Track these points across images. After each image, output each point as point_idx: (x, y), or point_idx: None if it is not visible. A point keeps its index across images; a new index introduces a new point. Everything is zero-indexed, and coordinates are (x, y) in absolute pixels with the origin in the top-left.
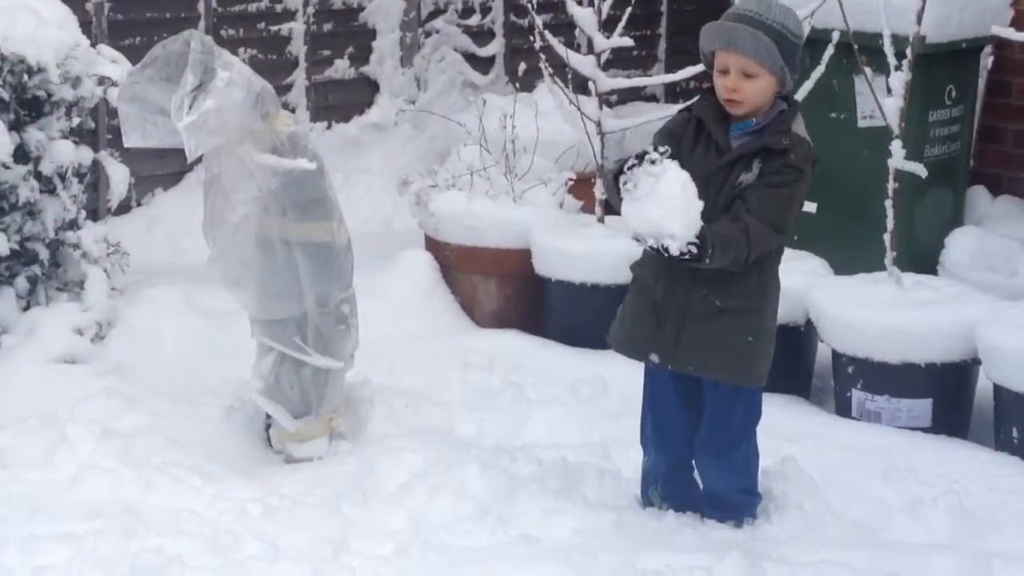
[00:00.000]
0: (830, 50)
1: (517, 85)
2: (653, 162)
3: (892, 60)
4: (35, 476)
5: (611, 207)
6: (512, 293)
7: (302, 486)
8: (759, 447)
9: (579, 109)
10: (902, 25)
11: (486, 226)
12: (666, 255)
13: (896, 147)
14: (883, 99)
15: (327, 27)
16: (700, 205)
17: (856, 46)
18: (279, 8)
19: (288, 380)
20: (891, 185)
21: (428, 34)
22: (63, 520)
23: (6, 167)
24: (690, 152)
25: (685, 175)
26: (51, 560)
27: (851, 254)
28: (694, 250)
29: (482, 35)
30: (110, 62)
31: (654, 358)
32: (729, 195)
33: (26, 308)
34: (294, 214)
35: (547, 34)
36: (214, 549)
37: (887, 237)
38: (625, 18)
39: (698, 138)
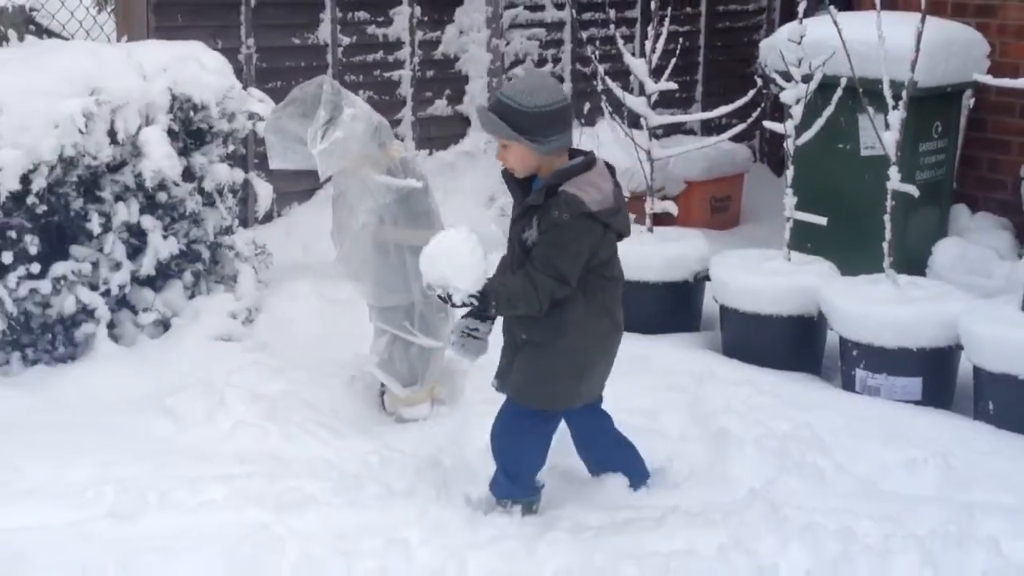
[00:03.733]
0: (838, 93)
1: (583, 121)
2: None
3: (890, 101)
4: (200, 431)
5: (659, 219)
6: None
7: (410, 442)
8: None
9: (633, 140)
10: (898, 72)
11: None
12: (450, 304)
13: (893, 172)
14: (883, 133)
15: (429, 73)
16: (484, 262)
17: (860, 89)
18: (391, 59)
19: (399, 356)
20: (889, 203)
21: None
22: (221, 465)
23: (176, 184)
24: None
25: (474, 237)
26: (213, 496)
27: (855, 259)
28: (475, 302)
29: None
30: (258, 101)
31: (494, 383)
32: (519, 248)
33: (191, 297)
34: (404, 223)
35: (607, 80)
36: (342, 490)
37: (885, 245)
38: (670, 67)
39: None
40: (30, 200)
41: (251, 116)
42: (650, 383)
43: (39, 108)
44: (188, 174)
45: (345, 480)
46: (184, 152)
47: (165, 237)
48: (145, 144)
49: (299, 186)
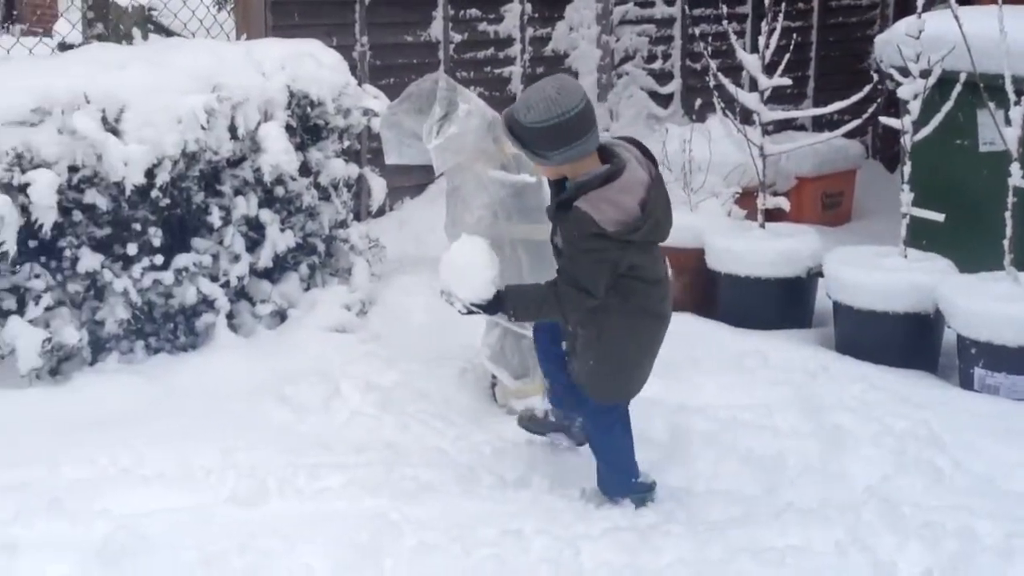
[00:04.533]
0: (957, 88)
1: (694, 117)
2: None
3: (1012, 96)
4: (317, 419)
5: (771, 215)
6: (688, 283)
7: (522, 433)
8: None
9: (745, 136)
10: (1020, 67)
11: None
12: (451, 306)
13: (1015, 168)
14: (1004, 129)
15: (539, 70)
16: (490, 273)
17: (981, 85)
18: (502, 55)
19: (510, 349)
20: (1010, 199)
21: (619, 76)
22: (339, 453)
23: (293, 179)
24: None
25: (476, 245)
26: (331, 484)
27: (971, 256)
28: (476, 310)
29: (663, 76)
30: (372, 97)
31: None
32: (555, 248)
33: (307, 289)
34: (518, 218)
35: (720, 75)
36: (457, 479)
37: (1006, 242)
38: (783, 63)
39: None
40: (154, 193)
41: (366, 112)
42: (763, 379)
43: (163, 104)
44: (305, 169)
45: (460, 470)
46: (301, 147)
47: (282, 230)
48: (264, 139)
49: (411, 181)
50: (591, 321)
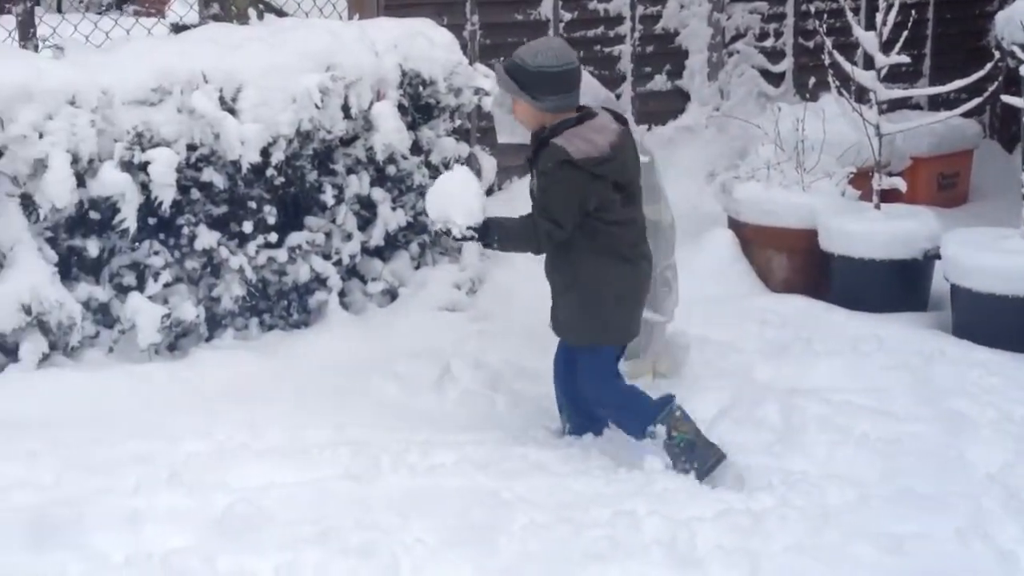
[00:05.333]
0: None
1: (807, 96)
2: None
3: None
4: (428, 397)
5: (886, 195)
6: (800, 264)
7: None
8: None
9: (861, 115)
10: None
11: (780, 210)
12: (450, 238)
13: None
14: None
15: (649, 49)
16: (480, 200)
17: None
18: (611, 34)
19: None
20: None
21: (730, 54)
22: (449, 431)
23: (405, 158)
24: None
25: (468, 174)
26: (442, 461)
27: None
28: (474, 235)
29: (775, 54)
30: (483, 77)
31: (549, 325)
32: (531, 197)
33: (417, 267)
34: None
35: (836, 53)
36: (567, 459)
37: None
38: (901, 41)
39: None
40: (269, 172)
41: (477, 91)
42: (878, 363)
43: (278, 84)
44: (416, 148)
45: (569, 450)
46: (412, 126)
47: (394, 209)
48: (376, 118)
49: (519, 160)
50: (565, 265)
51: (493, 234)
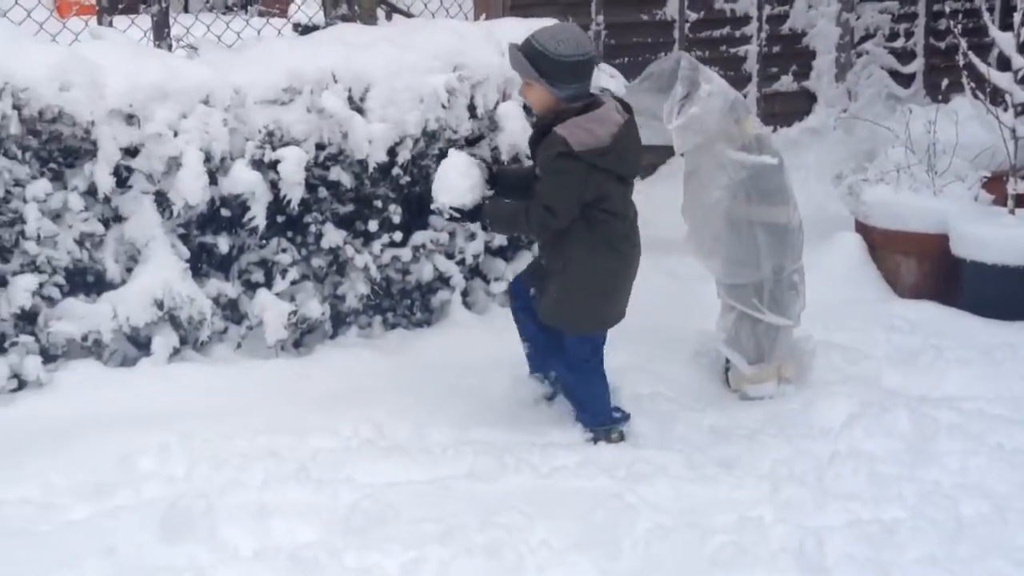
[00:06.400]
0: None
1: (940, 97)
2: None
3: None
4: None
5: (1021, 200)
6: (930, 270)
7: (756, 419)
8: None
9: (997, 118)
10: None
11: (910, 213)
12: (440, 216)
13: None
14: None
15: (775, 49)
16: (471, 182)
17: None
18: (737, 34)
19: (746, 333)
20: None
21: (859, 55)
22: (572, 432)
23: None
24: None
25: (463, 158)
26: (565, 462)
27: None
28: (456, 215)
29: (904, 55)
30: (609, 76)
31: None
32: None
33: None
34: (757, 200)
35: (971, 54)
36: (691, 464)
37: None
38: None
39: None
40: (395, 171)
41: (602, 91)
42: (1012, 371)
43: (406, 83)
44: None
45: (693, 454)
46: None
47: None
48: (502, 118)
49: (642, 161)
50: (558, 252)
51: (484, 216)
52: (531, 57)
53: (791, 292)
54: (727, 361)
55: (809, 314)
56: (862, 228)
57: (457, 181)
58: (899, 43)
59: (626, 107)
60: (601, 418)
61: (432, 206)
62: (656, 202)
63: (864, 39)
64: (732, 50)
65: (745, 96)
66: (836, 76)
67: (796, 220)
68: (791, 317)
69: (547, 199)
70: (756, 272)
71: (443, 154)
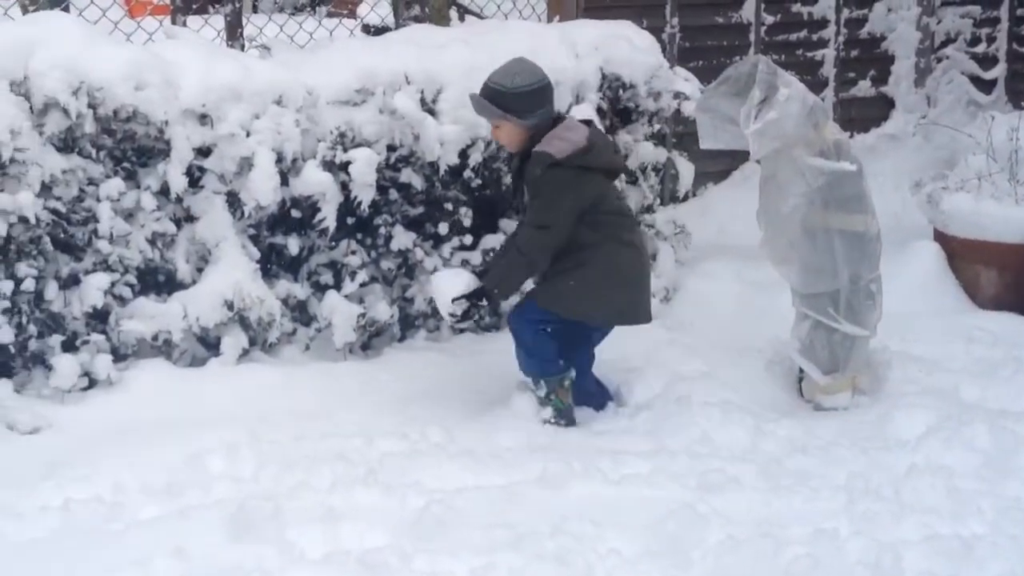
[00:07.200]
0: None
1: (1022, 104)
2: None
3: None
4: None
5: None
6: (1011, 281)
7: (830, 430)
8: None
9: None
10: None
11: (991, 223)
12: (453, 320)
13: None
14: None
15: (853, 53)
16: (463, 279)
17: None
18: (815, 38)
19: (820, 343)
20: None
21: (939, 60)
22: (641, 440)
23: None
24: None
25: (444, 271)
26: (636, 470)
27: None
28: (467, 305)
29: (986, 61)
30: (683, 80)
31: None
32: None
33: None
34: (835, 207)
35: None
36: (764, 475)
37: None
38: None
39: None
40: (466, 174)
41: (676, 95)
42: None
43: (478, 85)
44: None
45: (767, 465)
46: (611, 130)
47: None
48: None
49: (715, 167)
50: (569, 253)
51: (488, 290)
52: (492, 98)
53: (868, 302)
54: (801, 371)
55: (885, 325)
56: (941, 237)
57: (452, 280)
58: (981, 48)
59: (584, 121)
60: (550, 369)
61: (442, 316)
62: (730, 207)
63: (944, 44)
64: (809, 54)
65: (822, 100)
66: (915, 81)
67: (874, 228)
68: (867, 327)
69: (539, 217)
70: (833, 281)
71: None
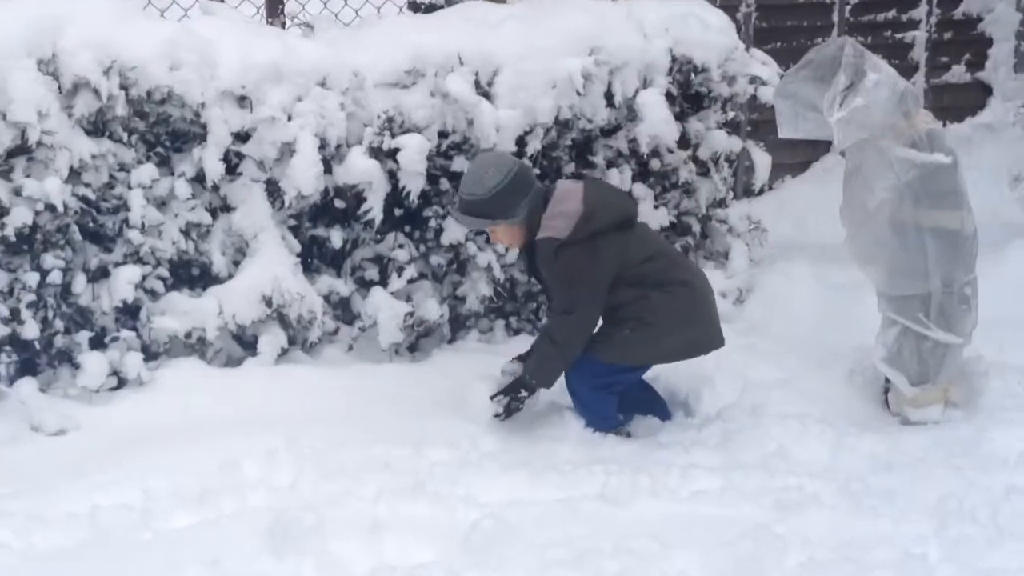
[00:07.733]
0: None
1: None
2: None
3: None
4: (686, 417)
5: None
6: None
7: (919, 446)
8: None
9: None
10: None
11: None
12: (498, 419)
13: None
14: None
15: (947, 35)
16: (487, 392)
17: None
18: (904, 18)
19: (909, 351)
20: None
21: None
22: (714, 455)
23: (671, 151)
24: None
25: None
26: (706, 487)
27: None
28: (500, 412)
29: None
30: (760, 63)
31: None
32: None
33: None
34: (927, 202)
35: None
36: (845, 493)
37: None
38: None
39: None
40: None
41: (752, 80)
42: None
43: (537, 67)
44: (683, 141)
45: (849, 483)
46: (680, 117)
47: (656, 207)
48: (642, 107)
49: (794, 158)
50: (617, 312)
51: (527, 382)
52: (473, 211)
53: (962, 306)
54: (887, 381)
55: (981, 331)
56: None
57: (486, 383)
58: None
59: (576, 176)
60: (607, 423)
61: (492, 418)
62: (809, 202)
63: None
64: (898, 36)
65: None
66: (1015, 67)
67: (970, 226)
68: (961, 334)
69: (564, 303)
70: (923, 283)
71: (575, 145)
